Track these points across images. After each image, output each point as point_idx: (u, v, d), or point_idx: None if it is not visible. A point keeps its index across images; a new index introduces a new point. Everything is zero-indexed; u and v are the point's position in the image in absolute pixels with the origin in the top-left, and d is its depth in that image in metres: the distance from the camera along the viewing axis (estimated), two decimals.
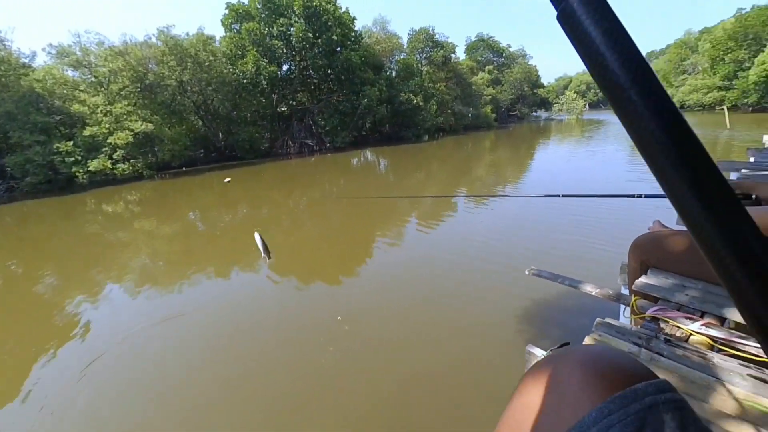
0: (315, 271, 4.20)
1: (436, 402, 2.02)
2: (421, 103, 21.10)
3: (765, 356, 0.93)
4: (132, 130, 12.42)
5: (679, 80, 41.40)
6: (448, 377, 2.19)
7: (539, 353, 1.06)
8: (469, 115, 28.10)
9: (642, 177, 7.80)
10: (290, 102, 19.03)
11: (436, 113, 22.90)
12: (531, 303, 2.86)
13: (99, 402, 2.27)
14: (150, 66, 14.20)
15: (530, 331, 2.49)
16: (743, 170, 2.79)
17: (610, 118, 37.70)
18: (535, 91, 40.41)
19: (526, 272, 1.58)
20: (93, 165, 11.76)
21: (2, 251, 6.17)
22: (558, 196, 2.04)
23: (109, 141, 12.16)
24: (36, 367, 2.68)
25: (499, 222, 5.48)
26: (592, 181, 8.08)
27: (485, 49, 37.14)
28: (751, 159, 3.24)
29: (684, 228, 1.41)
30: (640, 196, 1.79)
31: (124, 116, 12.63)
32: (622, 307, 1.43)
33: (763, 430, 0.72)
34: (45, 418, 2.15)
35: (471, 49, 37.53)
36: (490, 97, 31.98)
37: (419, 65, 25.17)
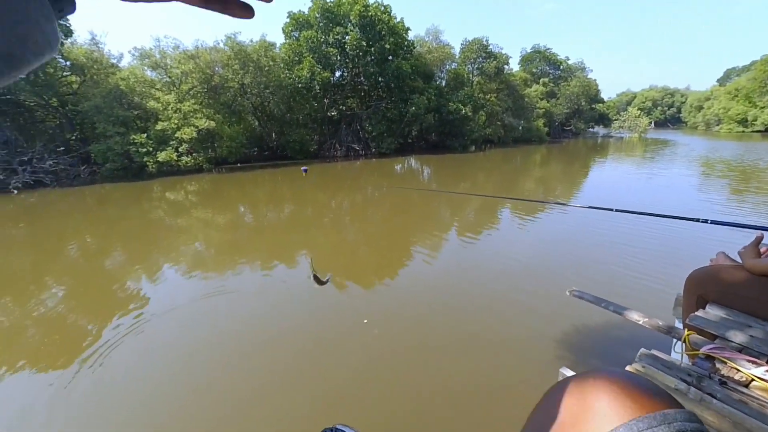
0: (353, 273, 4.29)
1: (460, 415, 1.99)
2: (469, 114, 20.81)
3: None
4: (196, 127, 13.53)
5: (764, 100, 37.11)
6: (476, 392, 2.14)
7: None
8: (520, 127, 27.20)
9: (711, 205, 7.09)
10: (340, 107, 19.66)
11: (484, 124, 22.46)
12: (570, 326, 2.71)
13: (147, 355, 2.50)
14: (216, 69, 15.40)
15: (566, 355, 2.36)
16: None
17: (678, 138, 34.55)
18: (593, 106, 38.19)
19: (567, 293, 1.52)
20: (161, 156, 12.95)
21: (82, 227, 6.98)
22: (611, 210, 1.93)
23: (176, 135, 13.34)
24: (104, 328, 3.01)
25: (544, 236, 5.25)
26: (651, 202, 7.47)
27: (541, 60, 35.89)
28: None
29: (737, 259, 1.28)
30: (705, 221, 1.64)
31: (191, 113, 13.81)
32: (674, 341, 1.32)
33: None
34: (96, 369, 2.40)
35: (526, 60, 36.45)
36: (543, 110, 30.76)
37: (470, 75, 24.88)
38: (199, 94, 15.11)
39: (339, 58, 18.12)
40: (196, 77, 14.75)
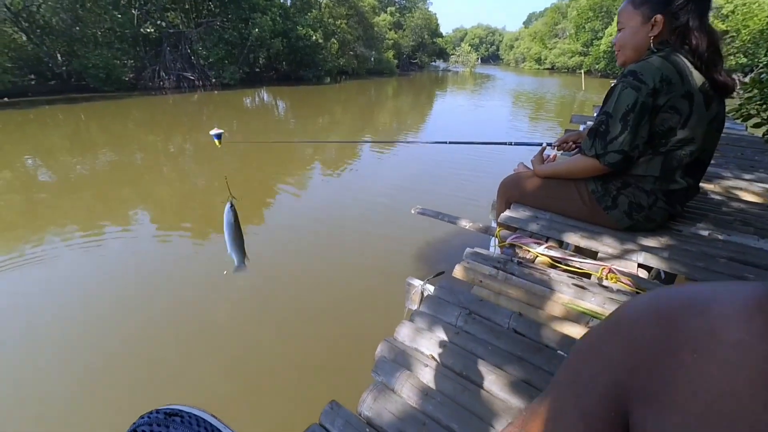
0: (209, 224, 3.79)
1: (326, 334, 2.13)
2: (321, 41, 19.50)
3: (584, 268, 1.17)
4: None
5: (551, 43, 46.73)
6: (339, 310, 2.32)
7: (417, 283, 1.14)
8: (372, 59, 27.27)
9: (516, 131, 8.90)
10: (158, 23, 15.50)
11: (337, 53, 21.57)
12: (414, 240, 3.12)
13: None
14: None
15: (413, 265, 2.74)
16: (589, 123, 3.36)
17: (497, 73, 41.16)
18: (434, 40, 40.98)
19: (412, 211, 1.67)
20: None
21: None
22: (445, 143, 2.18)
23: None
24: None
25: (395, 169, 5.67)
26: (477, 132, 8.91)
27: None
28: (595, 114, 3.92)
29: (532, 167, 1.66)
30: (511, 143, 2.04)
31: None
32: (491, 238, 1.63)
33: (578, 325, 0.91)
34: None
35: None
36: (392, 41, 31.34)
37: None
38: None
39: None
40: None
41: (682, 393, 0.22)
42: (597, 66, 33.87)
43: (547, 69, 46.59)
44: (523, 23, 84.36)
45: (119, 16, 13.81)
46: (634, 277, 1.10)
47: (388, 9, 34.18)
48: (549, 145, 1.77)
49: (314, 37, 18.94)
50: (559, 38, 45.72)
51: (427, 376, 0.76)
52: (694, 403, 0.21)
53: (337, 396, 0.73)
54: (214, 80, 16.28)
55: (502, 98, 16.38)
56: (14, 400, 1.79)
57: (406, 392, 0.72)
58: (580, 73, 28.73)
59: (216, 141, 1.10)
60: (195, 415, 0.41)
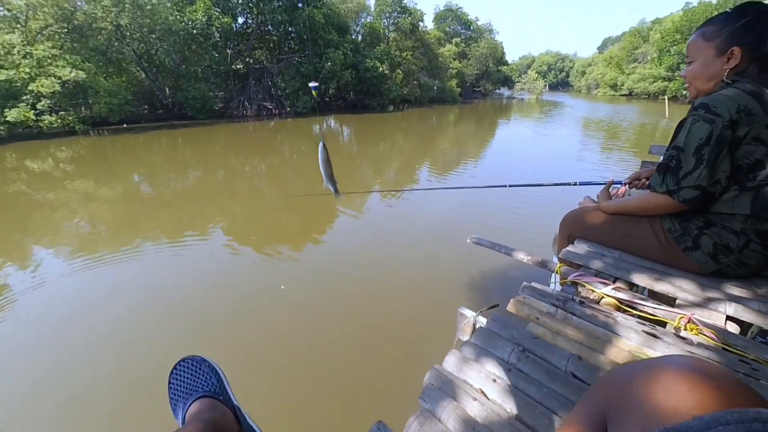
0: (274, 240, 4.12)
1: (375, 354, 2.14)
2: (386, 72, 20.56)
3: (657, 315, 1.06)
4: (59, 77, 10.94)
5: (630, 68, 43.72)
6: (390, 333, 2.32)
7: (470, 314, 1.13)
8: (435, 87, 27.91)
9: (585, 164, 8.35)
10: (247, 59, 17.67)
11: (402, 83, 22.50)
12: (468, 271, 3.04)
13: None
14: (78, 3, 12.38)
15: (465, 295, 2.66)
16: None
17: (566, 100, 39.36)
18: (499, 68, 40.80)
19: (468, 240, 1.66)
20: (12, 115, 10.31)
21: None
22: (505, 186, 2.21)
23: (30, 88, 10.65)
24: None
25: (453, 199, 5.61)
26: (540, 171, 8.50)
27: (453, 20, 36.52)
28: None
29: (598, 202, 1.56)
30: (575, 183, 2.00)
31: (48, 60, 11.05)
32: (551, 274, 1.55)
33: None
34: None
35: (439, 18, 36.74)
36: (456, 70, 31.85)
37: (386, 31, 24.27)
38: (57, 35, 12.10)
39: (241, 1, 15.99)
40: (49, 13, 11.69)
41: (629, 420, 0.38)
42: (684, 92, 30.73)
43: (624, 95, 43.48)
44: (597, 48, 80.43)
45: (216, 55, 16.04)
46: (720, 331, 0.97)
47: (454, 40, 35.03)
48: (619, 183, 1.67)
49: (381, 69, 20.04)
50: (639, 63, 42.66)
51: (474, 409, 0.75)
52: (634, 426, 0.37)
53: (384, 417, 0.76)
54: (288, 109, 17.92)
55: (570, 127, 15.56)
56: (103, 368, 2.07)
57: (452, 423, 0.72)
58: (663, 99, 26.30)
59: (314, 92, 1.31)
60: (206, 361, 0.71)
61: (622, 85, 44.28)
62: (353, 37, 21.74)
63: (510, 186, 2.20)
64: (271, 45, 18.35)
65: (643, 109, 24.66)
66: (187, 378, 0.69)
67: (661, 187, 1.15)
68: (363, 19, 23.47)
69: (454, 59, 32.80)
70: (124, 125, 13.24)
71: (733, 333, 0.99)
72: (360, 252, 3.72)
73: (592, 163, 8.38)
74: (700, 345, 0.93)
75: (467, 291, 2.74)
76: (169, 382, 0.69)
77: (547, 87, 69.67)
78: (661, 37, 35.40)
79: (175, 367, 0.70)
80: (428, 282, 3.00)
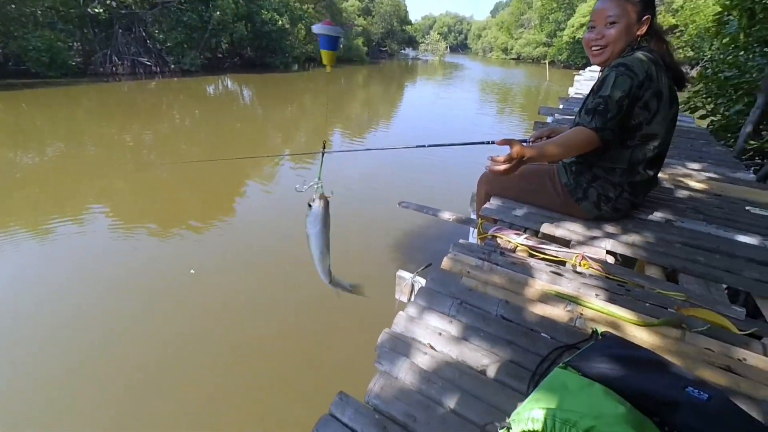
0: (173, 218, 3.65)
1: (322, 330, 2.16)
2: (287, 26, 18.83)
3: (559, 256, 1.26)
4: None
5: (517, 33, 47.72)
6: (332, 307, 2.33)
7: (407, 276, 1.19)
8: (341, 46, 26.69)
9: (482, 117, 9.11)
10: (108, 2, 14.31)
11: (305, 39, 20.94)
12: (399, 234, 3.18)
13: None
14: None
15: (399, 258, 2.80)
16: (556, 115, 3.51)
17: (465, 62, 41.65)
18: (403, 27, 40.64)
19: (397, 205, 1.71)
20: None
21: None
22: (424, 146, 2.25)
23: None
24: None
25: (370, 163, 5.64)
26: (448, 125, 9.00)
27: None
28: (561, 106, 4.10)
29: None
30: (491, 142, 2.14)
31: None
32: (472, 229, 1.71)
33: (557, 308, 1.00)
34: None
35: None
36: (361, 28, 30.77)
37: None
38: None
39: None
40: None
41: None
42: (560, 57, 35.04)
43: (513, 59, 47.67)
44: (490, 12, 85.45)
45: None
46: (603, 263, 1.21)
47: None
48: (525, 142, 1.87)
49: (280, 22, 18.26)
50: (525, 28, 46.75)
51: (426, 362, 0.81)
52: None
53: (345, 387, 0.77)
54: (173, 66, 15.34)
55: (470, 89, 16.63)
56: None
57: (408, 379, 0.77)
58: (545, 63, 29.65)
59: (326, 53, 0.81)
60: None
61: (512, 49, 48.30)
62: None
63: (429, 146, 2.28)
64: None
65: (529, 72, 27.52)
66: None
67: (591, 124, 1.20)
68: None
69: (359, 15, 31.54)
70: None
71: (612, 264, 1.24)
72: (278, 224, 3.56)
73: (490, 123, 9.19)
74: (591, 276, 1.14)
75: (399, 254, 2.88)
76: None
77: (449, 49, 72.35)
78: (541, 5, 39.08)
79: None
80: (361, 249, 3.04)
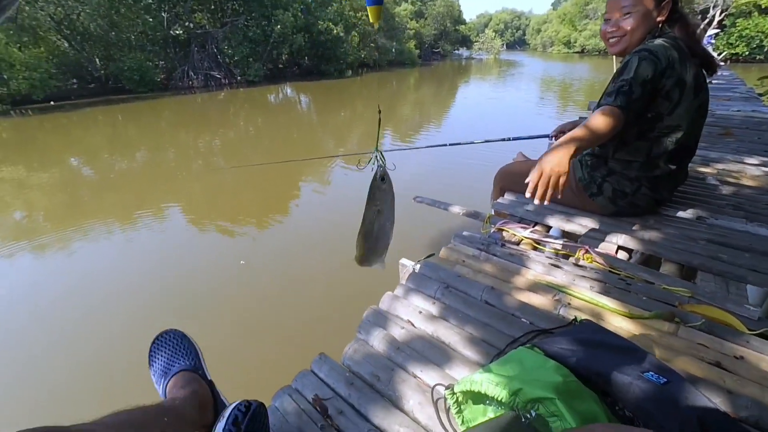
0: (236, 216, 4.08)
1: (329, 299, 2.36)
2: (341, 34, 19.61)
3: (563, 250, 1.25)
4: None
5: (582, 24, 44.45)
6: (340, 285, 2.54)
7: (409, 264, 1.27)
8: (393, 50, 27.09)
9: (543, 115, 8.68)
10: (186, 24, 16.14)
11: (358, 46, 21.61)
12: (413, 227, 3.24)
13: None
14: None
15: (410, 249, 2.85)
16: None
17: (523, 59, 39.75)
18: (457, 27, 40.02)
19: (413, 199, 1.79)
20: None
21: None
22: (445, 145, 2.37)
23: None
24: None
25: (412, 161, 5.70)
26: (499, 126, 8.74)
27: None
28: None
29: (532, 158, 1.72)
30: (509, 139, 2.17)
31: None
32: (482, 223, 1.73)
33: (544, 297, 1.01)
34: None
35: None
36: (413, 31, 30.92)
37: None
38: None
39: None
40: None
41: None
42: None
43: (577, 53, 44.46)
44: (552, 5, 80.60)
45: (150, 19, 14.51)
46: (609, 258, 1.18)
47: None
48: (546, 136, 1.83)
49: (335, 31, 19.08)
50: (590, 19, 43.39)
51: (402, 335, 0.89)
52: None
53: (329, 350, 0.88)
54: (239, 78, 16.81)
55: (528, 87, 15.89)
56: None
57: (381, 347, 0.86)
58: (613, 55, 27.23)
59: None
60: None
61: (575, 42, 45.12)
62: None
63: (450, 144, 2.39)
64: (212, 6, 16.80)
65: (593, 66, 25.50)
66: (168, 350, 0.74)
67: (615, 102, 1.12)
68: None
69: (411, 19, 31.73)
70: (51, 102, 11.91)
71: (618, 258, 1.20)
72: (321, 221, 3.80)
73: (549, 117, 8.74)
74: (591, 270, 1.13)
75: (411, 245, 2.93)
76: (150, 353, 0.74)
77: (505, 46, 69.60)
78: None
79: (156, 339, 0.75)
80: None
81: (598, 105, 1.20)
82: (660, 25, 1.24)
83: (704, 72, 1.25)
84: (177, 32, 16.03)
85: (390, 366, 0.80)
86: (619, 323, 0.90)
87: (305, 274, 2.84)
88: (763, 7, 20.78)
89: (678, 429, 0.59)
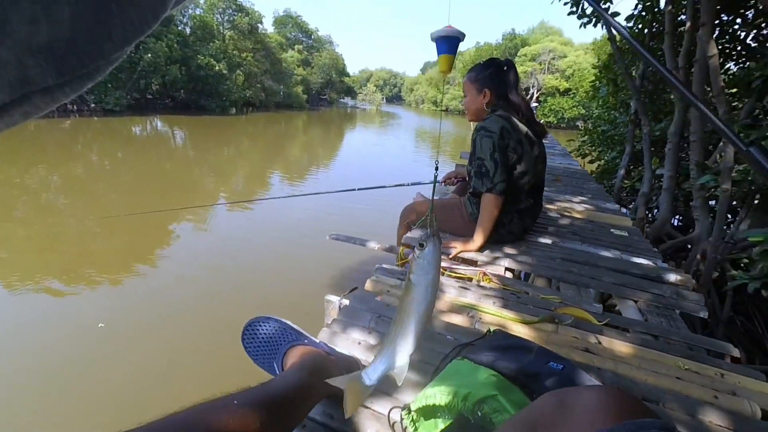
0: (86, 270, 3.30)
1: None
2: (225, 71, 18.94)
3: (466, 274, 1.46)
4: None
5: (445, 89, 53.16)
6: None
7: (334, 299, 1.28)
8: (281, 92, 27.36)
9: (419, 163, 9.82)
10: None
11: (243, 85, 21.13)
12: (331, 265, 3.27)
13: None
14: None
15: (330, 286, 2.86)
16: None
17: (399, 112, 45.01)
18: (342, 79, 43.14)
19: (327, 237, 1.82)
20: None
21: None
22: (354, 189, 2.50)
23: None
24: None
25: (307, 205, 5.69)
26: (386, 172, 9.54)
27: (294, 26, 36.61)
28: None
29: (429, 197, 2.00)
30: (409, 184, 2.46)
31: None
32: (396, 256, 1.87)
33: (461, 316, 1.16)
34: None
35: (279, 23, 36.18)
36: (300, 77, 32.01)
37: (221, 28, 22.35)
38: None
39: None
40: None
41: None
42: None
43: (443, 110, 52.68)
44: (420, 70, 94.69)
45: None
46: (501, 278, 1.43)
47: (296, 47, 35.09)
48: (439, 182, 2.14)
49: (217, 67, 18.34)
50: (451, 85, 52.43)
51: None
52: None
53: None
54: (93, 105, 14.35)
55: (405, 136, 17.92)
56: None
57: None
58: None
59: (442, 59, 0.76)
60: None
61: (441, 101, 53.54)
62: (180, 28, 19.11)
63: (359, 189, 2.52)
64: None
65: (456, 122, 30.51)
66: (265, 335, 0.78)
67: (483, 188, 1.52)
68: (191, 11, 20.90)
69: (298, 66, 32.90)
70: None
71: (509, 278, 1.47)
72: (212, 267, 3.41)
73: (425, 164, 9.93)
74: (491, 289, 1.34)
75: (331, 282, 2.92)
76: (247, 343, 0.79)
77: (385, 99, 77.73)
78: (462, 66, 44.55)
79: (246, 330, 0.80)
80: (293, 280, 3.05)
81: (472, 185, 1.59)
82: (489, 105, 1.65)
83: (536, 130, 1.70)
84: None
85: (340, 402, 0.79)
86: (519, 329, 1.10)
87: (229, 307, 2.48)
88: (561, 90, 29.16)
89: None
